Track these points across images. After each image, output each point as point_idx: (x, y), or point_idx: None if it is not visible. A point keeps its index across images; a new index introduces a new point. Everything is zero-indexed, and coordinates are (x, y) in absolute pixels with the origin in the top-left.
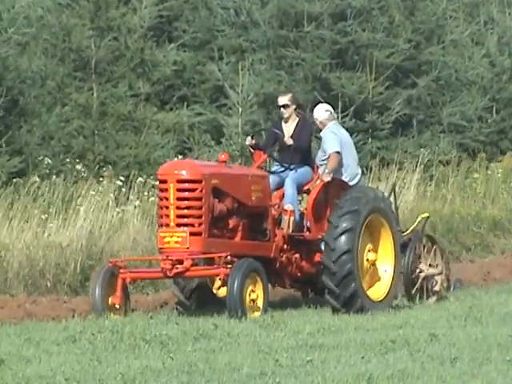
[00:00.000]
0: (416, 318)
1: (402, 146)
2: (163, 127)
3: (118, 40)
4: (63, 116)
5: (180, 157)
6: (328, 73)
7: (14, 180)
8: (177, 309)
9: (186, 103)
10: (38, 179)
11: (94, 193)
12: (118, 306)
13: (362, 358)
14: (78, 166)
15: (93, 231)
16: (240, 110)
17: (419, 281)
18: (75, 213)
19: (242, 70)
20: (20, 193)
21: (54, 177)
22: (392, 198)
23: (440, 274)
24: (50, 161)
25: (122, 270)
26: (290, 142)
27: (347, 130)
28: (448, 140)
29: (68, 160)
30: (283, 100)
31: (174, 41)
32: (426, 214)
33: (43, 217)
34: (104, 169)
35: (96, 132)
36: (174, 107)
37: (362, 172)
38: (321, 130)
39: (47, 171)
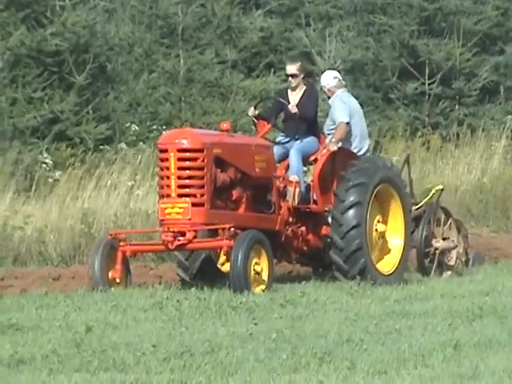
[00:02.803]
0: (503, 285)
1: (488, 112)
2: (250, 94)
3: (205, 6)
4: (150, 83)
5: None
6: (415, 39)
7: (101, 147)
8: (178, 274)
9: (272, 70)
10: (124, 146)
11: None
12: (118, 280)
13: (449, 325)
14: (165, 133)
15: None
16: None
17: (436, 256)
18: None
19: (329, 36)
20: (107, 160)
21: (141, 143)
22: (406, 171)
23: (455, 247)
24: (136, 127)
25: (121, 243)
26: (294, 110)
27: (357, 98)
28: None
29: (155, 127)
30: (291, 69)
31: (261, 7)
32: (441, 186)
33: (130, 184)
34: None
35: (183, 99)
36: (260, 74)
37: (443, 137)
38: (329, 98)
39: (134, 138)
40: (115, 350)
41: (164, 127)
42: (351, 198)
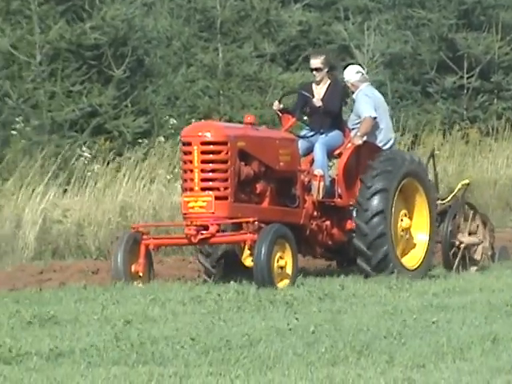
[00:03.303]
0: None
1: None
2: (288, 87)
3: (244, 0)
4: (188, 76)
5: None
6: (454, 33)
7: (140, 140)
8: (204, 278)
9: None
10: (163, 139)
11: None
12: (141, 274)
13: (487, 318)
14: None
15: None
16: (366, 70)
17: (460, 251)
18: None
19: (367, 30)
20: (146, 153)
21: (179, 137)
22: (431, 165)
23: (481, 242)
24: (175, 121)
25: (144, 236)
26: (318, 103)
27: (382, 93)
28: None
29: (193, 120)
30: (316, 63)
31: (299, 1)
32: (467, 181)
33: (168, 177)
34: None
35: (221, 92)
36: (299, 67)
37: (486, 132)
38: (353, 93)
39: (172, 131)
40: (154, 344)
41: (203, 120)
42: (377, 185)
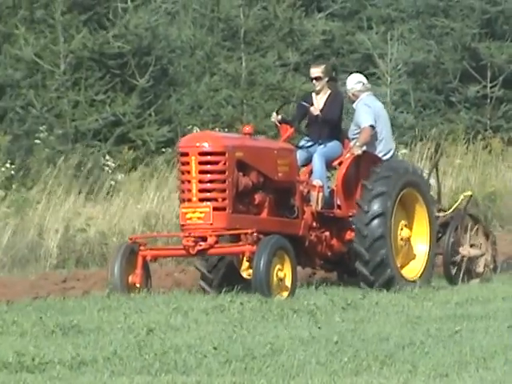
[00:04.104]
0: None
1: None
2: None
3: (267, 9)
4: (212, 85)
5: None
6: (477, 42)
7: (163, 149)
8: (200, 285)
9: (334, 73)
10: None
11: None
12: (138, 285)
13: (511, 327)
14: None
15: None
16: (389, 79)
17: (462, 263)
18: None
19: (391, 39)
20: (169, 162)
21: None
22: (434, 176)
23: (483, 255)
24: (198, 130)
25: (142, 248)
26: (316, 112)
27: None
28: None
29: (217, 129)
30: (316, 72)
31: (323, 10)
32: (469, 193)
33: None
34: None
35: (244, 101)
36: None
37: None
38: (353, 102)
39: None
40: (177, 353)
41: (226, 129)
42: (374, 208)
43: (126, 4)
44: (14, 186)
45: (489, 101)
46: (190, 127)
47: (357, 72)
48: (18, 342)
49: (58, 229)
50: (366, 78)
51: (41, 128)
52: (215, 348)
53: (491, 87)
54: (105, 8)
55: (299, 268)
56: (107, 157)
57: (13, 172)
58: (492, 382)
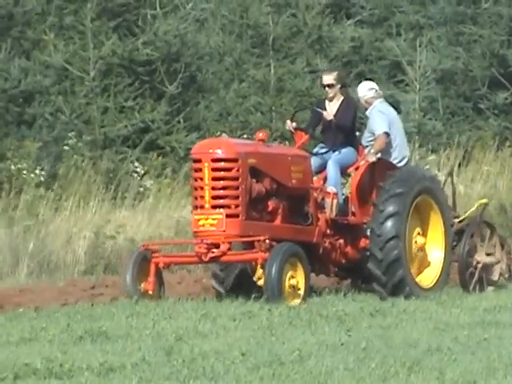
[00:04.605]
0: None
1: None
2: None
3: (296, 16)
4: (241, 92)
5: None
6: (506, 49)
7: None
8: (212, 285)
9: (363, 80)
10: None
11: None
12: (150, 292)
13: None
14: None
15: None
16: (417, 86)
17: (477, 271)
18: None
19: (419, 46)
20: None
21: None
22: (449, 183)
23: (498, 262)
24: (227, 137)
25: (155, 254)
26: (329, 117)
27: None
28: None
29: (245, 136)
30: (328, 79)
31: (351, 17)
32: (485, 200)
33: None
34: (282, 145)
35: (273, 108)
36: (351, 83)
37: None
38: (366, 110)
39: None
40: (205, 359)
41: (254, 136)
42: (390, 209)
43: (156, 11)
44: (43, 193)
45: None
46: (218, 134)
47: (388, 78)
48: (47, 349)
49: (87, 235)
50: (395, 84)
51: (70, 134)
52: (243, 354)
53: None
54: (134, 15)
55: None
56: (136, 163)
57: (42, 178)
58: None
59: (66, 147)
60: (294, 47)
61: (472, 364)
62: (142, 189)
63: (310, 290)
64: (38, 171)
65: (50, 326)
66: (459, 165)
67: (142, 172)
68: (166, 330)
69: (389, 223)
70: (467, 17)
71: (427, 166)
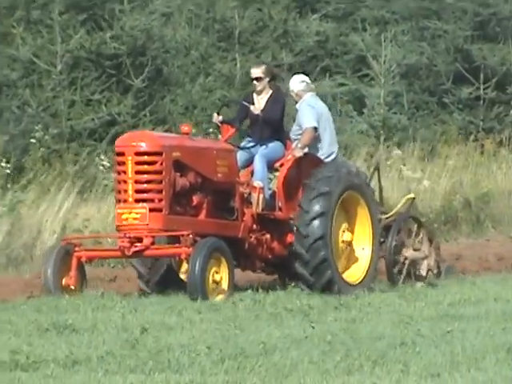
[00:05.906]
0: None
1: None
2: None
3: (262, 10)
4: (207, 86)
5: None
6: (470, 44)
7: None
8: (139, 285)
9: (328, 74)
10: None
11: None
12: (72, 287)
13: (503, 329)
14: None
15: None
16: (382, 80)
17: (405, 266)
18: None
19: (384, 41)
20: None
21: None
22: (376, 179)
23: (425, 258)
24: (193, 130)
25: (76, 248)
26: (256, 111)
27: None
28: None
29: (211, 130)
30: (256, 72)
31: (317, 11)
32: (412, 195)
33: None
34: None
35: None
36: (316, 78)
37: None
38: (297, 103)
39: None
40: (170, 351)
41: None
42: (316, 209)
43: (123, 6)
44: (9, 186)
45: (481, 102)
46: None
47: (353, 73)
48: (13, 341)
49: (54, 229)
50: (360, 79)
51: (36, 127)
52: (208, 347)
53: (484, 89)
54: (102, 9)
55: None
56: (102, 156)
57: (8, 171)
58: (483, 382)
59: (32, 140)
60: (259, 41)
61: (436, 357)
62: (108, 182)
63: (274, 284)
64: (3, 164)
65: (16, 318)
66: (427, 160)
67: (108, 165)
68: (131, 323)
69: (315, 224)
70: (431, 12)
71: (391, 160)
